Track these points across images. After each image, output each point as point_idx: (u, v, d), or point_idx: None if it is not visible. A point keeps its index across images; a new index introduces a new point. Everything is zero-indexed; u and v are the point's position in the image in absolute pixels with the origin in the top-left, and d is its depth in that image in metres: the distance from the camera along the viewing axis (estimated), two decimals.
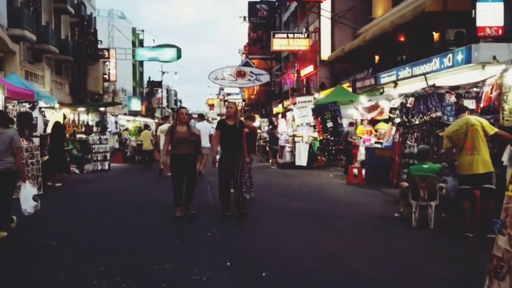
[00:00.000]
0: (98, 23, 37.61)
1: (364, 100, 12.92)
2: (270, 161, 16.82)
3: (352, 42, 21.29)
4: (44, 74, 21.00)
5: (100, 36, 33.91)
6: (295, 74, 25.50)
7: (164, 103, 71.40)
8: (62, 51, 24.56)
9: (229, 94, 63.94)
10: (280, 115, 16.68)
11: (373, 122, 14.06)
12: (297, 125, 14.89)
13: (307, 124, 15.01)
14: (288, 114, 16.27)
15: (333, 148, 15.10)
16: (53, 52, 23.09)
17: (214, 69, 35.95)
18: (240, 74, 35.96)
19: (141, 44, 57.33)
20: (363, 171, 11.04)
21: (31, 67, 20.12)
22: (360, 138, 11.95)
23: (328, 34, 24.71)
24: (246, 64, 38.19)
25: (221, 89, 79.72)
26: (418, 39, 17.16)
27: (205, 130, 11.25)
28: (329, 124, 15.17)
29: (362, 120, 13.02)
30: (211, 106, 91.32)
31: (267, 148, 17.97)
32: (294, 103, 26.88)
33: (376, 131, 12.38)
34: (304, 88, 26.57)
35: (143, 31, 67.09)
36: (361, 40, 19.42)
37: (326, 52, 24.62)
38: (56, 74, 24.65)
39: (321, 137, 15.70)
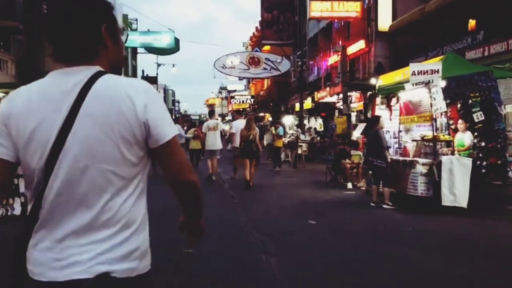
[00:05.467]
0: None
1: None
2: (372, 189, 8.11)
3: None
4: None
5: None
6: (340, 52, 17.90)
7: None
8: (3, 14, 16.91)
9: (234, 91, 56.49)
10: (377, 101, 8.87)
11: None
12: (417, 117, 6.90)
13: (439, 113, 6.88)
14: (402, 95, 7.73)
15: (487, 163, 6.91)
16: None
17: (220, 56, 28.67)
18: (253, 61, 28.36)
19: None
20: None
21: None
22: None
23: None
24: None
25: (222, 88, 72.71)
26: None
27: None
28: (477, 116, 7.02)
29: None
30: (211, 107, 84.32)
31: (353, 164, 9.37)
32: (336, 93, 19.18)
33: None
34: (348, 74, 18.98)
35: (136, 20, 59.89)
36: None
37: (385, 21, 17.28)
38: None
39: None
